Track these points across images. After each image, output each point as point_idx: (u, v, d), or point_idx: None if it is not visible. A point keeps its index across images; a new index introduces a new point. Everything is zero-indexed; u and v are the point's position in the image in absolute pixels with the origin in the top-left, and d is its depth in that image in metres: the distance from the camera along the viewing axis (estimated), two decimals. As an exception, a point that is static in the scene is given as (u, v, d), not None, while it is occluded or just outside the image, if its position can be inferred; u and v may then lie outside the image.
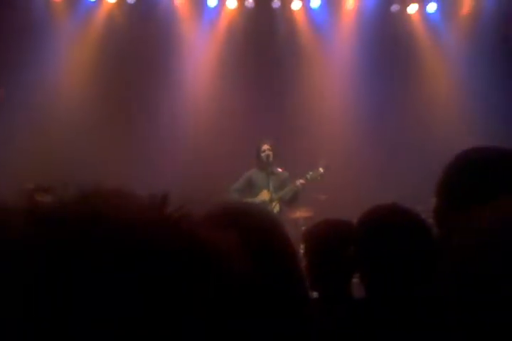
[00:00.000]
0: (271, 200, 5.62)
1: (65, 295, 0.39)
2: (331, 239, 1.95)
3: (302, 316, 0.90)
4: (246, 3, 7.84)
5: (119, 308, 0.40)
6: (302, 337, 0.87)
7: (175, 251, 0.43)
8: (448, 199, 1.20)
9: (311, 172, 5.79)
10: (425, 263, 1.51)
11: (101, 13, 7.80)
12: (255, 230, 0.92)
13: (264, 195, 5.73)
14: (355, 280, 1.82)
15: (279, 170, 5.90)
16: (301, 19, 8.11)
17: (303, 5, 7.98)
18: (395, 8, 7.96)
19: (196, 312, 0.43)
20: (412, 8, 8.02)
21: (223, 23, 8.04)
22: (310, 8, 8.06)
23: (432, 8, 8.05)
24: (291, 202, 5.83)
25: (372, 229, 1.58)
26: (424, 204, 5.93)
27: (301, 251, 2.06)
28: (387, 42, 7.86)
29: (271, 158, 5.75)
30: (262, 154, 5.78)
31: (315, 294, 2.00)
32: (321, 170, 5.80)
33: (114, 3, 7.75)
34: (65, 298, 0.39)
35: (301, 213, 6.79)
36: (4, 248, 0.41)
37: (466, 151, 1.26)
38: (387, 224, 1.56)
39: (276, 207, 5.74)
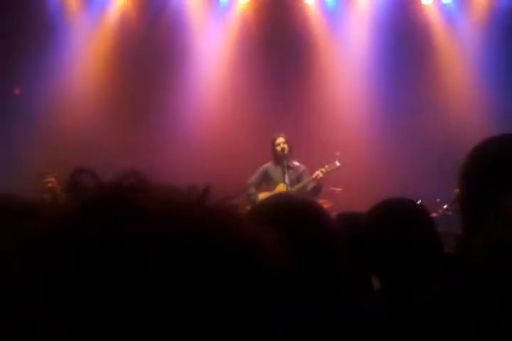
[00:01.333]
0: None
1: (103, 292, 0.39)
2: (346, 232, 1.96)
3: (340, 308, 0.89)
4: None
5: (165, 307, 0.39)
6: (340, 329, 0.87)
7: (220, 247, 0.43)
8: (471, 188, 1.20)
9: (327, 166, 5.78)
10: (429, 253, 1.55)
11: (115, 9, 7.84)
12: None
13: (281, 188, 5.73)
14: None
15: (296, 163, 5.88)
16: (314, 10, 8.05)
17: (316, -4, 7.94)
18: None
19: (238, 307, 0.42)
20: (427, -1, 7.92)
21: (236, 16, 8.03)
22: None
23: (446, -2, 7.95)
24: (313, 193, 5.83)
25: (378, 222, 1.61)
26: (443, 195, 5.94)
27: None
28: (402, 32, 7.77)
29: (286, 151, 5.74)
30: (277, 147, 5.77)
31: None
32: (337, 163, 5.78)
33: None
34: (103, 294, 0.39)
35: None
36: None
37: (485, 141, 1.26)
38: (392, 217, 1.60)
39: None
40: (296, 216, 1.03)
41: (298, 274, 0.52)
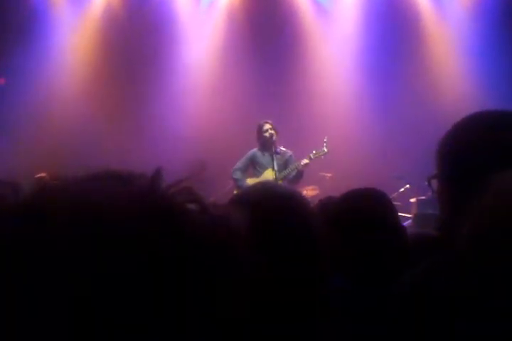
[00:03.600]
0: (276, 180, 5.61)
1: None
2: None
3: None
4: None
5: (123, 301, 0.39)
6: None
7: (162, 238, 0.41)
8: (445, 168, 1.17)
9: (314, 152, 5.77)
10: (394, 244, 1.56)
11: (99, 0, 7.73)
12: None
13: (268, 175, 5.72)
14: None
15: (282, 149, 5.87)
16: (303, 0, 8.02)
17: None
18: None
19: (203, 299, 0.41)
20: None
21: (223, 7, 7.96)
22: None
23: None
24: (294, 180, 5.83)
25: (343, 212, 1.63)
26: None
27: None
28: (391, 17, 7.75)
29: (274, 137, 5.73)
30: (265, 134, 5.76)
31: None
32: (325, 149, 5.77)
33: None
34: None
35: (307, 191, 6.80)
36: None
37: (470, 117, 1.19)
38: (355, 208, 1.61)
39: (281, 187, 5.75)
40: (276, 207, 0.98)
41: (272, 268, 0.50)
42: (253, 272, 0.46)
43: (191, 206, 0.45)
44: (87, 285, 0.38)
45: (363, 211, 1.60)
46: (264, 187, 1.07)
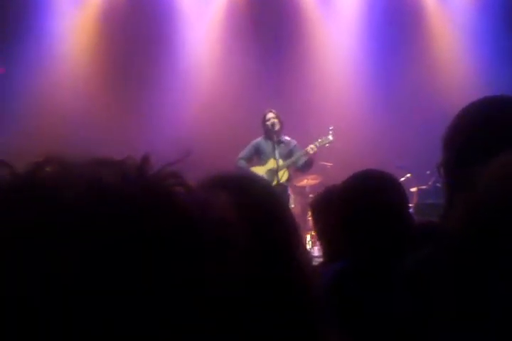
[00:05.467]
0: (277, 168, 5.62)
1: None
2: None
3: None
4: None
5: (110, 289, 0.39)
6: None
7: (154, 228, 0.41)
8: (454, 153, 1.18)
9: (320, 140, 5.80)
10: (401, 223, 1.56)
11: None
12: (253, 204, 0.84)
13: (272, 163, 5.74)
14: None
15: (287, 138, 5.88)
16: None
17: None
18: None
19: (194, 288, 0.41)
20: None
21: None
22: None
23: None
24: (305, 167, 5.87)
25: (350, 193, 1.61)
26: (431, 170, 5.98)
27: (309, 219, 2.08)
28: (394, 9, 7.72)
29: (276, 126, 5.73)
30: (268, 122, 5.76)
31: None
32: (330, 137, 5.80)
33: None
34: None
35: (308, 181, 6.82)
36: None
37: (473, 103, 1.21)
38: (363, 188, 1.59)
39: (284, 176, 5.76)
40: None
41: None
42: (243, 252, 0.46)
43: (179, 188, 0.46)
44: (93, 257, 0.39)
45: (376, 193, 1.58)
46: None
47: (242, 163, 5.86)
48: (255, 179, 0.99)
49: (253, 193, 0.86)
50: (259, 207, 0.84)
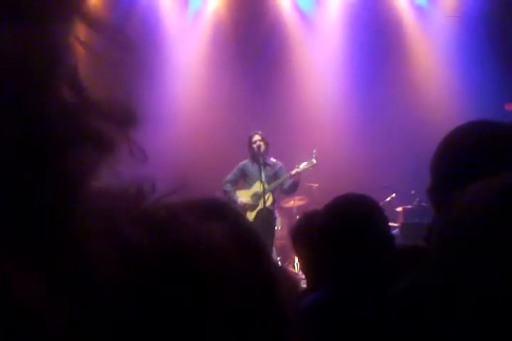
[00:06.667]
0: (263, 191, 5.61)
1: None
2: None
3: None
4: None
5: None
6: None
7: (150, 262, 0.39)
8: (439, 177, 1.19)
9: (304, 163, 5.81)
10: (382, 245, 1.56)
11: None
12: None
13: (258, 187, 5.73)
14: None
15: (273, 160, 5.89)
16: (288, 8, 8.10)
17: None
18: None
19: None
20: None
21: (209, 15, 8.01)
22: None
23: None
24: (291, 190, 5.87)
25: (331, 217, 1.63)
26: (418, 187, 6.03)
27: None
28: (374, 24, 7.86)
29: (262, 149, 5.73)
30: (254, 145, 5.75)
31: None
32: (314, 160, 5.82)
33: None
34: None
35: (295, 202, 6.83)
36: None
37: (457, 128, 1.23)
38: (344, 212, 1.61)
39: (269, 199, 5.74)
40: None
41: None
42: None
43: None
44: None
45: (353, 217, 1.59)
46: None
47: (228, 187, 5.84)
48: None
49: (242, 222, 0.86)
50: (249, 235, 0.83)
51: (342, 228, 1.58)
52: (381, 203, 6.42)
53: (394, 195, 6.71)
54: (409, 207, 6.50)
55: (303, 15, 8.14)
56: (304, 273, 2.07)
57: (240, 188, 5.91)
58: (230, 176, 5.91)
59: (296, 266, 6.21)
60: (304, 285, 2.66)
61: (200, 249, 0.42)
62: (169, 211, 0.44)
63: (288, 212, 6.94)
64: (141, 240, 0.39)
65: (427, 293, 0.78)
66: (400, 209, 6.57)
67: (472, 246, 0.68)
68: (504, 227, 0.68)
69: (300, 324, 1.43)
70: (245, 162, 5.92)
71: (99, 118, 0.37)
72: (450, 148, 1.19)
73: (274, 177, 5.80)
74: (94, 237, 0.36)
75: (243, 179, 5.94)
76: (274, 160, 5.89)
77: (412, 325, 0.86)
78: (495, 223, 0.68)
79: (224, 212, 0.83)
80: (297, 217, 6.13)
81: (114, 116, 0.38)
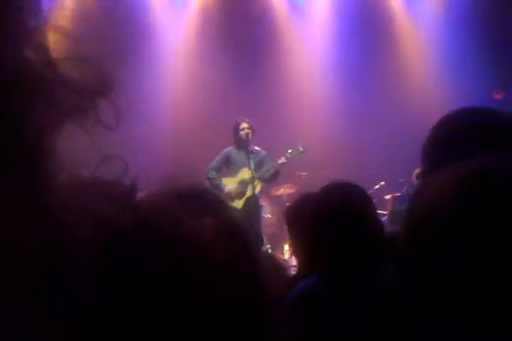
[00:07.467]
0: (253, 179, 5.59)
1: None
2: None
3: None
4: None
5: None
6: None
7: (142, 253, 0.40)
8: (429, 164, 1.20)
9: (290, 151, 5.76)
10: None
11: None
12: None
13: (245, 174, 5.69)
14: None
15: (257, 148, 5.85)
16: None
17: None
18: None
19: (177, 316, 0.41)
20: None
21: (197, 3, 7.94)
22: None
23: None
24: (271, 179, 5.84)
25: (318, 208, 1.64)
26: (407, 175, 6.06)
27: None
28: (365, 16, 7.85)
29: (250, 137, 5.70)
30: (241, 132, 5.70)
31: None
32: (301, 148, 5.79)
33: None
34: None
35: (285, 190, 6.84)
36: None
37: (449, 115, 1.24)
38: (329, 202, 1.62)
39: (258, 186, 5.73)
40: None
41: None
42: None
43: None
44: None
45: (343, 206, 1.60)
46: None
47: (212, 174, 5.78)
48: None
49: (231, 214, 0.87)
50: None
51: (339, 212, 1.58)
52: (370, 191, 6.45)
53: (383, 183, 6.74)
54: (398, 194, 6.53)
55: (292, 3, 8.09)
56: (297, 257, 2.07)
57: (223, 176, 5.87)
58: (213, 163, 5.85)
59: (284, 254, 6.23)
60: (293, 271, 2.68)
61: (185, 240, 0.43)
62: (157, 202, 0.44)
63: (278, 200, 6.95)
64: (119, 220, 0.40)
65: (399, 289, 0.78)
66: (388, 197, 6.61)
67: (436, 233, 0.69)
68: (468, 214, 0.68)
69: (290, 313, 1.44)
70: (230, 149, 5.86)
71: (63, 81, 0.37)
72: (441, 134, 1.19)
73: (259, 165, 5.76)
74: (72, 211, 0.36)
75: (226, 166, 5.89)
76: (259, 149, 5.85)
77: (391, 322, 0.87)
78: (459, 210, 0.68)
79: (211, 202, 0.83)
80: (287, 204, 6.14)
81: (81, 83, 0.38)
